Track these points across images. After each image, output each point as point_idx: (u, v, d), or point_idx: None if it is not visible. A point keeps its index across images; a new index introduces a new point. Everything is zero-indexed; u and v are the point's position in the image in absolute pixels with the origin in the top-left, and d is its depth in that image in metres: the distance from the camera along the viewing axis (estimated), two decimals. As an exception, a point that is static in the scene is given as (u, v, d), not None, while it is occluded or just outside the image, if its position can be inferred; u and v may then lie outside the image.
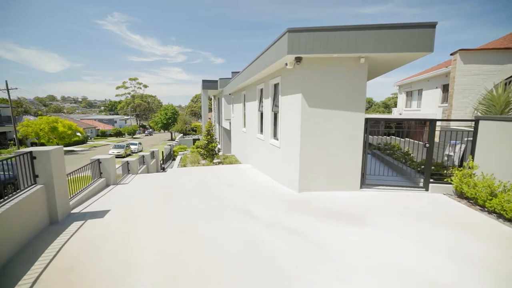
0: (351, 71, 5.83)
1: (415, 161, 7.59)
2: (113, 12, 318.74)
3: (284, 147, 7.13)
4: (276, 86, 8.06)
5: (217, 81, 22.44)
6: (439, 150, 7.52)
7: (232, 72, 18.92)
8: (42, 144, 34.60)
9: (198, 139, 36.41)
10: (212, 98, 30.13)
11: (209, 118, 25.80)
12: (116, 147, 29.82)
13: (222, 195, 6.61)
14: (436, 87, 15.98)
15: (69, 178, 6.20)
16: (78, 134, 38.04)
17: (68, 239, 4.20)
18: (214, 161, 13.07)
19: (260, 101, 9.79)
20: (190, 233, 4.34)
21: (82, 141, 44.61)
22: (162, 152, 18.11)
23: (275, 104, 8.15)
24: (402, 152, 8.87)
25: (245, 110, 12.51)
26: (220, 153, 14.07)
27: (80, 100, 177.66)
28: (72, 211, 5.49)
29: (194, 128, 59.75)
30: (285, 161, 7.07)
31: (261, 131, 9.95)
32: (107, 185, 7.80)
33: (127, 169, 10.47)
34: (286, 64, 6.22)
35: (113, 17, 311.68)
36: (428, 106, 17.36)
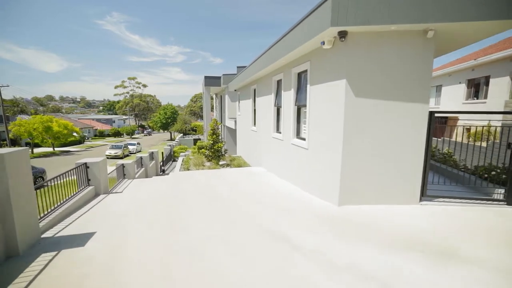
0: (413, 49, 4.43)
1: (464, 164, 6.23)
2: (112, 12, 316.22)
3: (315, 149, 5.73)
4: (301, 74, 6.66)
5: (220, 77, 21.04)
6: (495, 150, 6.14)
7: (238, 67, 17.51)
8: (36, 145, 33.01)
9: (199, 139, 34.96)
10: (214, 97, 28.70)
11: (212, 117, 24.45)
12: (113, 147, 28.30)
13: (241, 209, 5.20)
14: (460, 82, 14.65)
15: (48, 186, 4.78)
16: (74, 134, 36.47)
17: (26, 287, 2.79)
18: (220, 163, 11.67)
19: (277, 94, 8.39)
20: (208, 274, 2.94)
21: (79, 141, 43.02)
22: (162, 153, 16.66)
23: (299, 96, 6.75)
24: (444, 154, 7.50)
25: (255, 106, 11.10)
26: (227, 155, 12.65)
27: (78, 100, 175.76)
28: (44, 235, 4.06)
29: (194, 128, 58.27)
30: (316, 165, 5.67)
31: (277, 129, 8.55)
32: (97, 195, 6.37)
33: (122, 173, 9.04)
34: (323, 43, 4.82)
35: (112, 17, 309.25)
36: (449, 102, 16.04)
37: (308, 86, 5.94)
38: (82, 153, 32.60)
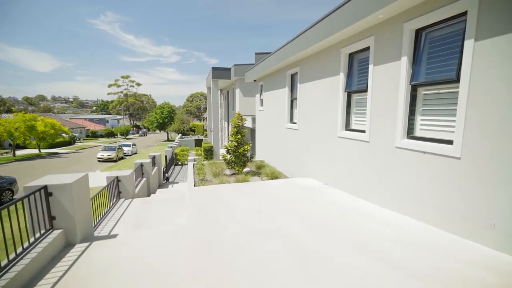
0: None
1: None
2: (106, 12, 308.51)
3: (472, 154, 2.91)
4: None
5: (229, 69, 18.11)
6: None
7: (256, 54, 14.63)
8: (18, 146, 29.42)
9: (201, 140, 31.92)
10: (219, 93, 25.72)
11: (219, 117, 21.26)
12: (106, 149, 24.99)
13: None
14: None
15: None
16: (63, 134, 32.93)
17: None
18: (245, 170, 8.80)
19: (350, 75, 5.57)
20: None
21: (69, 142, 39.38)
22: (166, 156, 13.66)
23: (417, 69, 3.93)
24: None
25: (296, 96, 8.26)
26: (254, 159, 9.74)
27: (71, 100, 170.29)
28: None
29: (193, 128, 55.07)
30: (471, 183, 2.86)
31: (347, 125, 5.73)
32: (68, 245, 3.39)
33: (117, 190, 6.08)
34: None
35: (106, 16, 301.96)
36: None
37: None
38: (72, 155, 29.15)
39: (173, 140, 49.14)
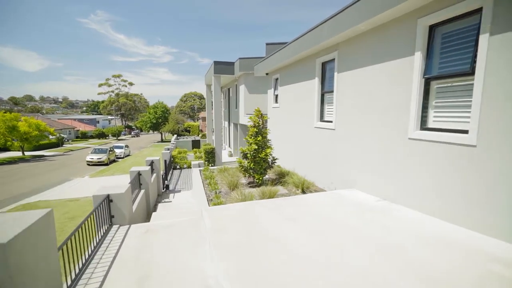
0: None
1: None
2: (96, 11, 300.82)
3: None
4: None
5: (233, 63, 16.46)
6: None
7: (268, 44, 13.02)
8: (4, 149, 26.96)
9: (198, 141, 30.08)
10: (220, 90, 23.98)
11: (218, 116, 19.45)
12: (96, 151, 22.84)
13: None
14: None
15: None
16: (50, 135, 30.51)
17: None
18: (264, 177, 7.19)
19: (431, 54, 4.03)
20: None
21: (57, 144, 36.81)
22: (165, 161, 11.88)
23: None
24: None
25: (330, 89, 6.72)
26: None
27: (60, 100, 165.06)
28: None
29: (188, 129, 53.00)
30: None
31: (423, 124, 4.21)
32: None
33: (108, 214, 4.35)
34: None
35: (96, 15, 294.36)
36: None
37: None
38: (58, 158, 26.85)
39: (168, 141, 46.99)
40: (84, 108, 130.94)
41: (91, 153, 22.61)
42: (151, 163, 9.15)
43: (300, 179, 6.81)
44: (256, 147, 6.86)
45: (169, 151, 16.59)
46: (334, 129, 6.46)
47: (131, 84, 73.62)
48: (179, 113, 70.89)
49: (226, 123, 22.44)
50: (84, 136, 55.40)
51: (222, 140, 18.71)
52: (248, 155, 6.92)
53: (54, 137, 34.00)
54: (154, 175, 9.09)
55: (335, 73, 6.32)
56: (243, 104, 15.84)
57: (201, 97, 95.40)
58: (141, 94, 77.78)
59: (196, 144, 28.90)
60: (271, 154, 7.09)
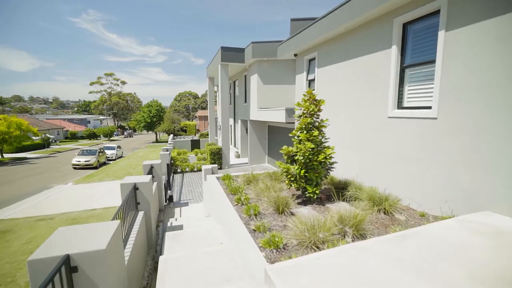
0: None
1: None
2: (88, 10, 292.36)
3: None
4: None
5: (243, 49, 14.05)
6: None
7: (293, 20, 10.63)
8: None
9: (197, 141, 27.50)
10: (218, 87, 21.47)
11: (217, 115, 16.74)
12: (84, 153, 19.98)
13: None
14: None
15: None
16: (35, 136, 27.41)
17: None
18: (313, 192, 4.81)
19: None
20: None
21: (42, 145, 33.57)
22: (168, 165, 9.36)
23: None
24: None
25: (423, 59, 4.42)
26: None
27: (51, 100, 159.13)
28: None
29: (184, 128, 50.18)
30: None
31: None
32: None
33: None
34: None
35: (88, 15, 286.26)
36: None
37: None
38: (42, 161, 23.87)
39: (163, 142, 44.07)
40: (75, 108, 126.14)
41: (78, 154, 19.76)
42: (151, 169, 6.68)
43: (376, 194, 4.46)
44: (313, 146, 4.49)
45: (168, 152, 14.04)
46: (435, 118, 4.14)
47: (123, 82, 70.16)
48: (174, 113, 67.91)
49: (231, 120, 19.98)
50: (74, 137, 51.93)
51: (230, 140, 16.31)
52: (299, 157, 4.54)
53: (38, 138, 30.81)
54: (155, 184, 6.62)
55: (441, 33, 3.99)
56: (255, 97, 13.44)
57: (196, 97, 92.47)
58: (135, 93, 74.34)
59: (196, 144, 26.31)
60: (331, 157, 4.74)
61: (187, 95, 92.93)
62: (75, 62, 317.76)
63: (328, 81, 7.12)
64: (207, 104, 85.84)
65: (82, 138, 52.62)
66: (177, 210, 7.68)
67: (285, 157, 4.98)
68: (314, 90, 7.85)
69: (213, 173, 7.69)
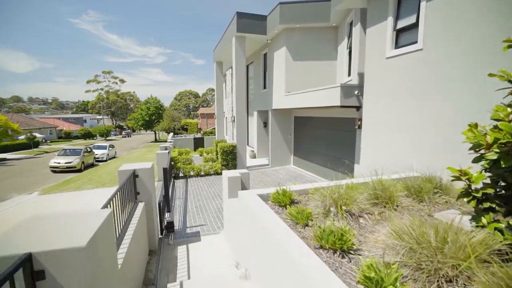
0: None
1: None
2: (88, 11, 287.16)
3: None
4: None
5: (265, 17, 10.65)
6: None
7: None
8: None
9: (201, 139, 23.99)
10: (227, 74, 17.99)
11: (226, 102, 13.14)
12: (66, 153, 16.33)
13: None
14: None
15: None
16: (19, 135, 23.83)
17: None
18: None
19: None
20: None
21: (28, 145, 29.94)
22: (164, 169, 5.87)
23: None
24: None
25: None
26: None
27: (50, 101, 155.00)
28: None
29: (185, 127, 46.63)
30: None
31: None
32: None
33: None
34: None
35: (88, 15, 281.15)
36: None
37: None
38: (22, 162, 20.32)
39: (163, 141, 40.52)
40: (74, 109, 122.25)
41: (58, 155, 16.18)
42: (133, 179, 3.12)
43: None
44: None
45: (166, 151, 10.48)
46: None
47: (122, 81, 66.45)
48: (174, 110, 64.31)
49: (246, 114, 16.53)
50: (68, 136, 48.27)
51: (247, 136, 12.86)
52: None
53: (22, 137, 27.21)
54: (141, 206, 3.10)
55: None
56: (282, 78, 9.99)
57: (196, 96, 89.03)
58: (134, 92, 70.68)
59: (199, 143, 22.80)
60: None
61: (188, 94, 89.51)
62: (75, 63, 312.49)
63: (455, 25, 3.75)
64: (207, 104, 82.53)
65: (77, 137, 48.97)
66: (180, 250, 4.21)
67: (475, 150, 1.56)
68: (416, 44, 4.45)
69: (243, 185, 4.23)
